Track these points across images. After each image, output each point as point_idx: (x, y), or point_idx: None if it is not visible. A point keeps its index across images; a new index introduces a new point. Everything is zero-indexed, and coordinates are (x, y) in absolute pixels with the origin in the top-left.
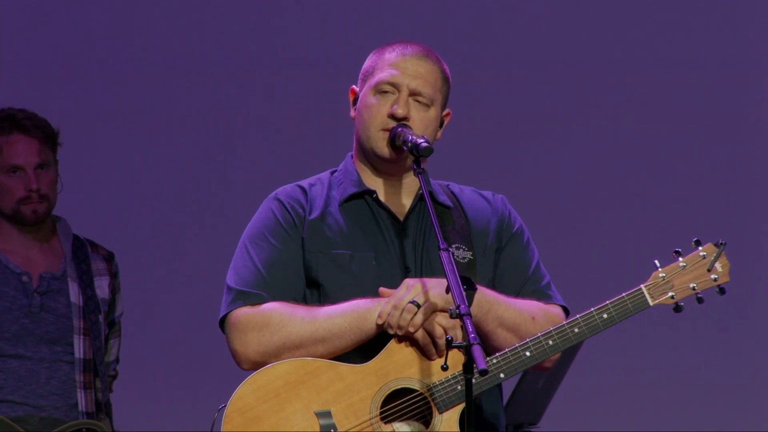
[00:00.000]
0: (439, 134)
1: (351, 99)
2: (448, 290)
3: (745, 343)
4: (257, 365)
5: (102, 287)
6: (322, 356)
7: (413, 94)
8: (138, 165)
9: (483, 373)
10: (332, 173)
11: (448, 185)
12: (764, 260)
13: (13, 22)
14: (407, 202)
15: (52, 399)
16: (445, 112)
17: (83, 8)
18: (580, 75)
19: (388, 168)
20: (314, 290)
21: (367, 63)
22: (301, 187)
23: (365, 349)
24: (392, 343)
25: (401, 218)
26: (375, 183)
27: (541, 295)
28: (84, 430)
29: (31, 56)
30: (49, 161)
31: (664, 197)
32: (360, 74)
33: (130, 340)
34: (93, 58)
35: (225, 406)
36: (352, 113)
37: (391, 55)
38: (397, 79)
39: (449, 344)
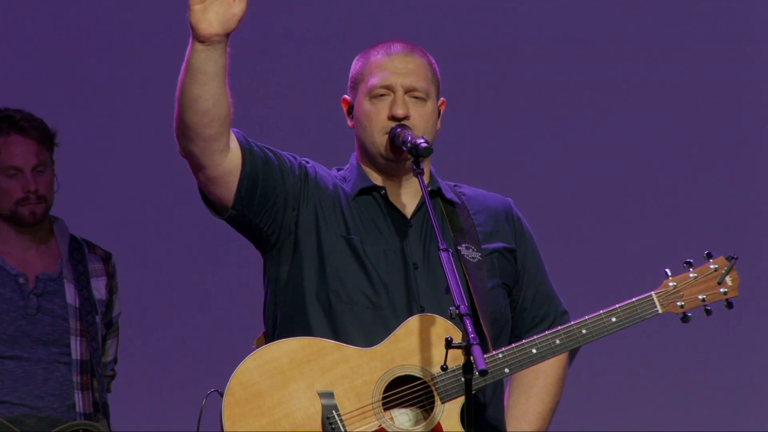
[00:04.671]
0: (438, 125)
1: (345, 109)
2: (447, 291)
3: (745, 343)
4: (179, 140)
5: (99, 288)
6: (198, 95)
7: (408, 91)
8: (136, 163)
9: (483, 373)
10: (337, 170)
11: (455, 185)
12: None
13: (8, 19)
14: (414, 200)
15: (50, 400)
16: (440, 102)
17: (78, 4)
18: (591, 78)
19: (394, 169)
20: (322, 270)
21: (354, 69)
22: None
23: (372, 335)
24: (399, 330)
25: (408, 216)
26: (381, 183)
27: (562, 319)
28: (81, 430)
29: (28, 54)
30: (47, 162)
31: (676, 204)
32: (349, 82)
33: (127, 341)
34: (90, 55)
35: (215, 390)
36: (350, 123)
37: (377, 57)
38: (389, 81)
39: (449, 344)
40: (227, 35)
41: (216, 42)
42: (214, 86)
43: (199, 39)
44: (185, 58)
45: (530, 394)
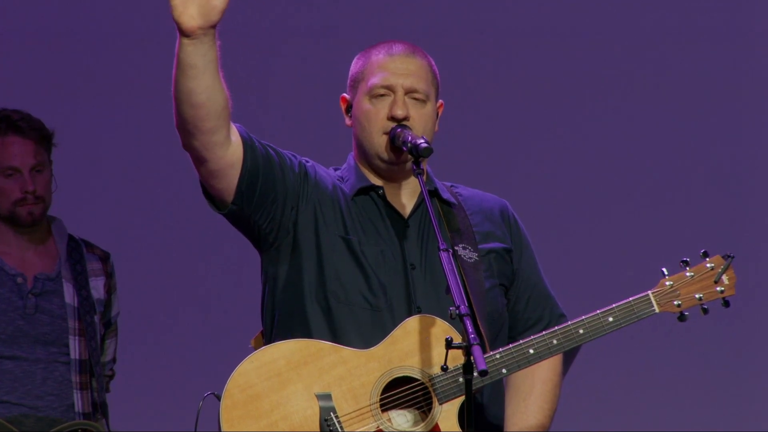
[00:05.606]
0: (436, 126)
1: (343, 107)
2: (447, 291)
3: (743, 341)
4: (180, 134)
5: (97, 288)
6: (191, 89)
7: (409, 92)
8: (134, 163)
9: (483, 374)
10: (335, 170)
11: (452, 186)
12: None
13: (5, 19)
14: (411, 201)
15: (49, 400)
16: (438, 104)
17: (76, 3)
18: (587, 78)
19: (392, 170)
20: (321, 270)
21: (354, 68)
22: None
23: (370, 335)
24: (397, 331)
25: (406, 216)
26: (379, 183)
27: (559, 322)
28: (80, 430)
29: (26, 54)
30: (45, 162)
31: (673, 203)
32: (348, 80)
33: (126, 341)
34: (88, 55)
35: (211, 393)
36: (348, 122)
37: (379, 57)
38: (389, 81)
39: (449, 345)
40: (212, 27)
41: (201, 35)
42: (206, 79)
43: (184, 33)
44: (175, 54)
45: (529, 402)
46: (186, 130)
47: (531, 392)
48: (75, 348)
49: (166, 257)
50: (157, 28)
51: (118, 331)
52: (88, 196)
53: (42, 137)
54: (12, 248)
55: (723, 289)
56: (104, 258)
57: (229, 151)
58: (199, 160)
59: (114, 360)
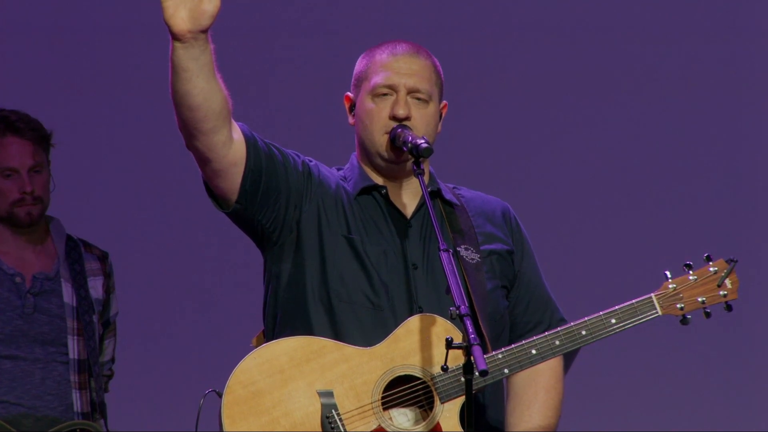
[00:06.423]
0: (439, 127)
1: (347, 106)
2: (447, 291)
3: (744, 345)
4: (182, 135)
5: (96, 287)
6: (186, 92)
7: (411, 92)
8: (132, 163)
9: (483, 374)
10: (337, 170)
11: (454, 187)
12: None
13: (3, 18)
14: (414, 201)
15: (47, 399)
16: (442, 105)
17: (74, 2)
18: (588, 79)
19: (393, 169)
20: (323, 269)
21: (358, 67)
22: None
23: (371, 334)
24: (399, 330)
25: (408, 216)
26: (382, 182)
27: (560, 323)
28: (78, 430)
29: (24, 54)
30: (43, 163)
31: (676, 206)
32: (352, 80)
33: (125, 340)
34: (86, 55)
35: (213, 390)
36: (351, 120)
37: (382, 56)
38: (392, 80)
39: (449, 345)
40: (204, 32)
41: (192, 39)
42: (201, 82)
43: (175, 37)
44: (169, 58)
45: (533, 411)
46: (187, 132)
47: (534, 401)
48: (74, 348)
49: (164, 257)
50: (157, 27)
51: (116, 331)
52: (86, 196)
53: (40, 138)
54: (10, 248)
55: (726, 293)
56: (102, 258)
57: (231, 150)
58: (203, 161)
59: (113, 360)
